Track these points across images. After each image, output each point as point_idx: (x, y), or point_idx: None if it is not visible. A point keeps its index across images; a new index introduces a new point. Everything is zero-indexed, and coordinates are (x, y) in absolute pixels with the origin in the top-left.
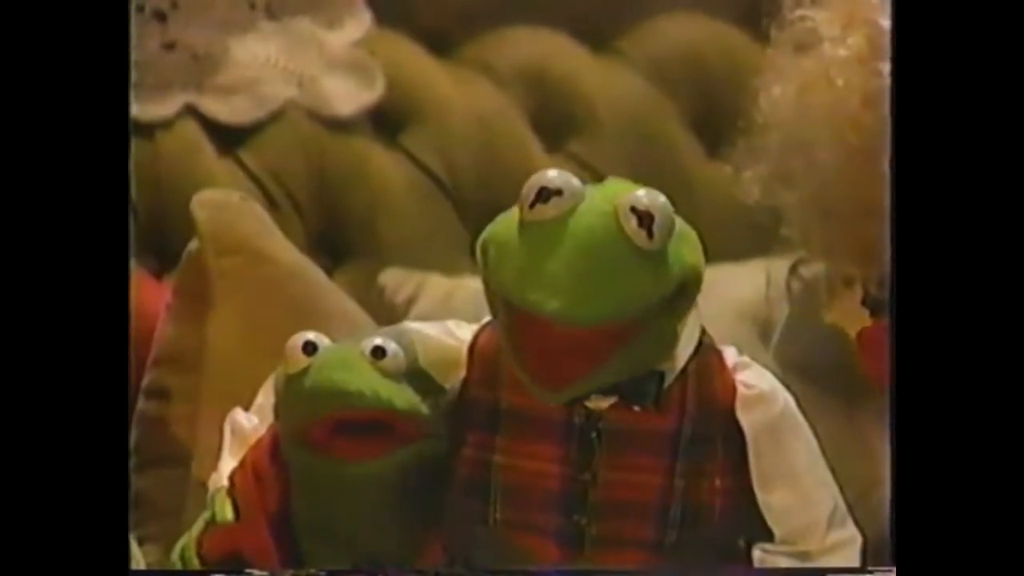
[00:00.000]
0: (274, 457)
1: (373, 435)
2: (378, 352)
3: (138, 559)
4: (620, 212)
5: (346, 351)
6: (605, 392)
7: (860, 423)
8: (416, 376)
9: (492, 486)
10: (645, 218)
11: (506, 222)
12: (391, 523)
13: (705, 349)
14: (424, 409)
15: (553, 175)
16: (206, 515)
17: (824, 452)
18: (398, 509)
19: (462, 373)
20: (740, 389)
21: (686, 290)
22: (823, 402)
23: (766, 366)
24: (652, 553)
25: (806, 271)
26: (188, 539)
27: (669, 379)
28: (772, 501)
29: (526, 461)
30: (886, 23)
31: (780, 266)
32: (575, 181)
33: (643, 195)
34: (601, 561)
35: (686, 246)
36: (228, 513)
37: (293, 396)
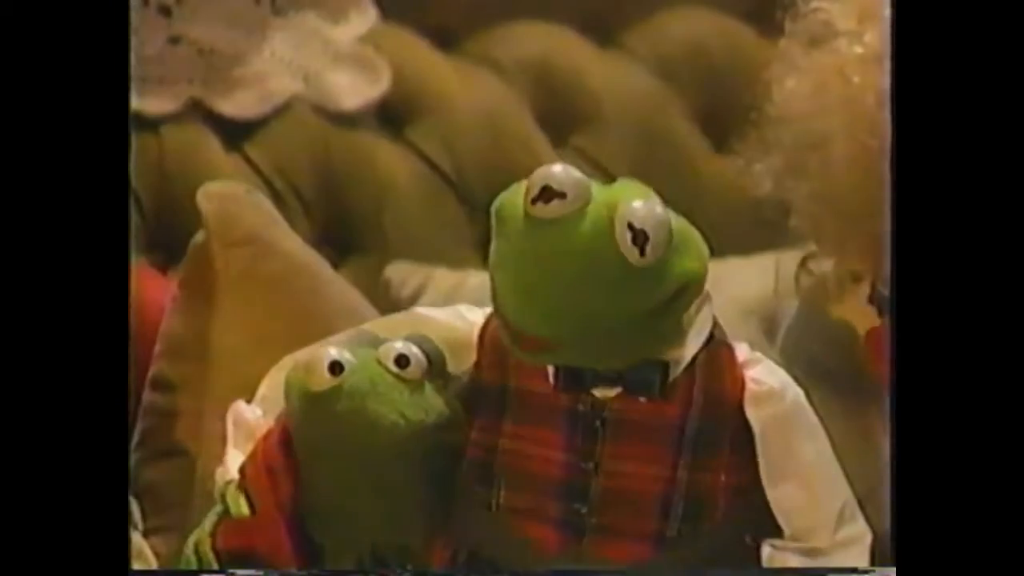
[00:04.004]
0: (286, 450)
1: None
2: (402, 361)
3: (146, 553)
4: (617, 225)
5: (372, 372)
6: (611, 382)
7: (867, 421)
8: (438, 372)
9: (497, 471)
10: (639, 236)
11: (516, 198)
12: (403, 512)
13: (716, 343)
14: (449, 411)
15: (559, 174)
16: (218, 509)
17: (833, 448)
18: (411, 497)
19: (473, 356)
20: (749, 385)
21: (682, 293)
22: (829, 399)
23: (772, 361)
24: (652, 545)
25: (815, 266)
26: (201, 534)
27: (675, 371)
28: (780, 498)
29: (530, 446)
30: None
31: (789, 260)
32: (581, 182)
33: (640, 208)
34: (600, 551)
35: (683, 256)
36: (243, 507)
37: (321, 416)
